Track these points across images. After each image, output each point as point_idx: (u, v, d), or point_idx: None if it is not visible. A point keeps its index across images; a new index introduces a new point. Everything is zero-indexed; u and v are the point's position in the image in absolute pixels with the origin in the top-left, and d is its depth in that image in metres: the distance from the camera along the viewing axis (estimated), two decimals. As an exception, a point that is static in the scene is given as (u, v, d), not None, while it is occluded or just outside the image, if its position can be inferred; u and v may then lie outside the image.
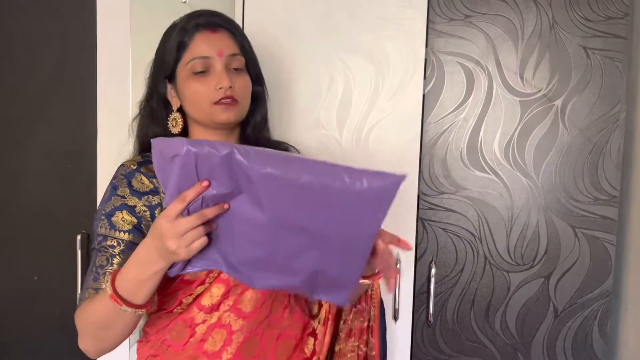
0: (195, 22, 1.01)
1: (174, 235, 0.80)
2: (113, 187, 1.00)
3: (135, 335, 1.09)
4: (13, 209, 1.60)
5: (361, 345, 1.13)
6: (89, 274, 0.96)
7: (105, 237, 0.96)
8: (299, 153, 1.22)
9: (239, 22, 1.37)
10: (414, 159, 1.40)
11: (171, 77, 1.04)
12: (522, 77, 1.41)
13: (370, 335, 1.13)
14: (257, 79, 1.11)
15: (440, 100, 1.43)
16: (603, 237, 1.42)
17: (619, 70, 1.39)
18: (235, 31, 1.05)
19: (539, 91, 1.41)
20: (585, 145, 1.41)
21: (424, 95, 1.41)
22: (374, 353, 1.13)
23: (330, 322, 1.09)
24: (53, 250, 1.58)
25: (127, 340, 1.54)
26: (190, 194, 0.80)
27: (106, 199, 1.00)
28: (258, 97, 1.11)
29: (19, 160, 1.59)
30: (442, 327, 1.46)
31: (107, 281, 0.89)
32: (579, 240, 1.43)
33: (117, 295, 0.87)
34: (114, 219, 0.97)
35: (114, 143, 1.42)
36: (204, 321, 0.99)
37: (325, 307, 1.11)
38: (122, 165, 1.03)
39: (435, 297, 1.45)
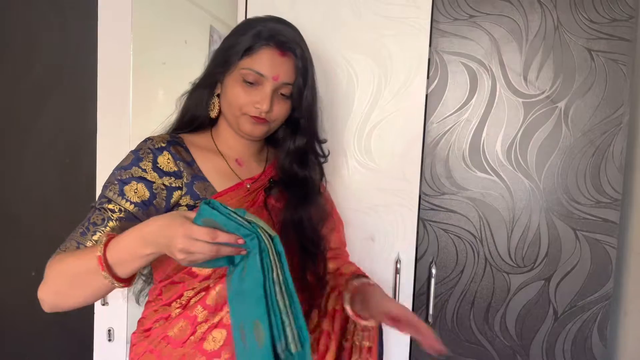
0: (270, 34, 1.01)
1: (182, 250, 0.79)
2: (137, 158, 0.98)
3: (132, 329, 1.08)
4: (12, 203, 1.60)
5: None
6: (79, 227, 0.95)
7: (110, 200, 0.95)
8: (327, 191, 1.22)
9: (241, 19, 1.37)
10: (415, 158, 1.40)
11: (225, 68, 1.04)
12: (525, 79, 1.41)
13: (369, 355, 1.13)
14: (304, 111, 1.07)
15: (443, 100, 1.42)
16: (604, 240, 1.41)
17: (623, 73, 1.38)
18: (301, 61, 1.04)
19: (543, 93, 1.40)
20: (588, 148, 1.41)
21: (426, 95, 1.40)
22: None
23: (334, 337, 1.09)
24: (51, 245, 1.57)
25: (126, 338, 1.53)
26: (222, 238, 0.78)
27: (126, 166, 0.98)
28: (297, 126, 1.09)
29: (18, 155, 1.58)
30: (442, 328, 1.46)
31: (100, 241, 0.87)
32: (580, 243, 1.42)
33: (104, 259, 0.85)
34: (126, 187, 0.96)
35: (113, 138, 1.41)
36: (206, 320, 0.99)
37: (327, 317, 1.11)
38: (150, 138, 1.02)
39: (435, 297, 1.44)
